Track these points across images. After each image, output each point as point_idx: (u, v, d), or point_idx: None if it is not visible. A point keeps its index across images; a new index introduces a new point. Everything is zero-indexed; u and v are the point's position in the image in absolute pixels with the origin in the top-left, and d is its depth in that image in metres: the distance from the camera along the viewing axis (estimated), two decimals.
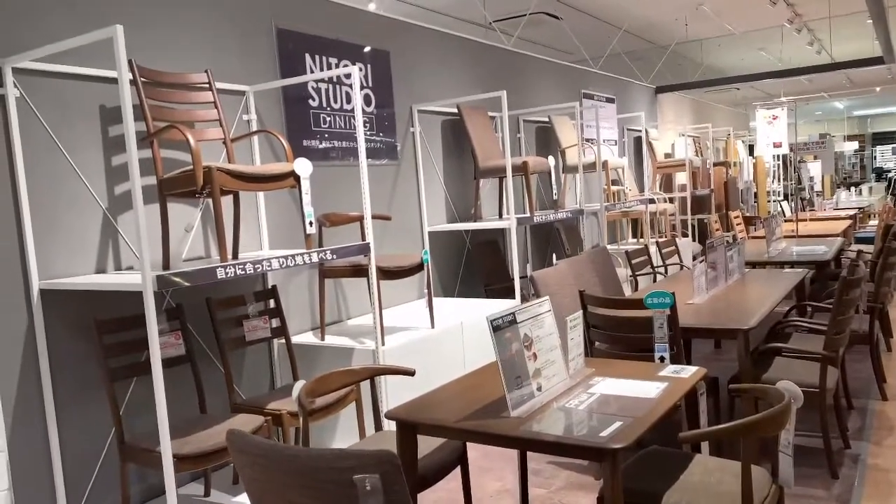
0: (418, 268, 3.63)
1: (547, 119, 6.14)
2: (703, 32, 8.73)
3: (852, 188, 13.70)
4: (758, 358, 3.30)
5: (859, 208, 9.96)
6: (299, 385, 2.43)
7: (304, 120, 3.81)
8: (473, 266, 5.17)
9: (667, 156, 8.89)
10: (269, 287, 3.47)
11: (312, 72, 3.85)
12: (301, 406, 2.29)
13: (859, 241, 8.54)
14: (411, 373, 2.64)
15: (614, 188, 6.97)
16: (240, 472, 1.51)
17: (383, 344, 3.36)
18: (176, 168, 2.96)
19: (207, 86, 3.12)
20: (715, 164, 9.57)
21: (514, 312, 2.09)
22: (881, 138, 24.80)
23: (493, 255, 5.23)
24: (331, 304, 3.99)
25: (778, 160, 13.86)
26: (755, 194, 11.34)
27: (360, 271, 3.40)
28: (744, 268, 4.54)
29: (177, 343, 2.95)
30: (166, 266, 2.93)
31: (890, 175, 19.47)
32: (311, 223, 2.93)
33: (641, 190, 8.48)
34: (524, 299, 4.56)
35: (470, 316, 3.96)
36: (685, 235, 8.23)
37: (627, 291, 5.81)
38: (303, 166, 2.90)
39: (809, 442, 3.39)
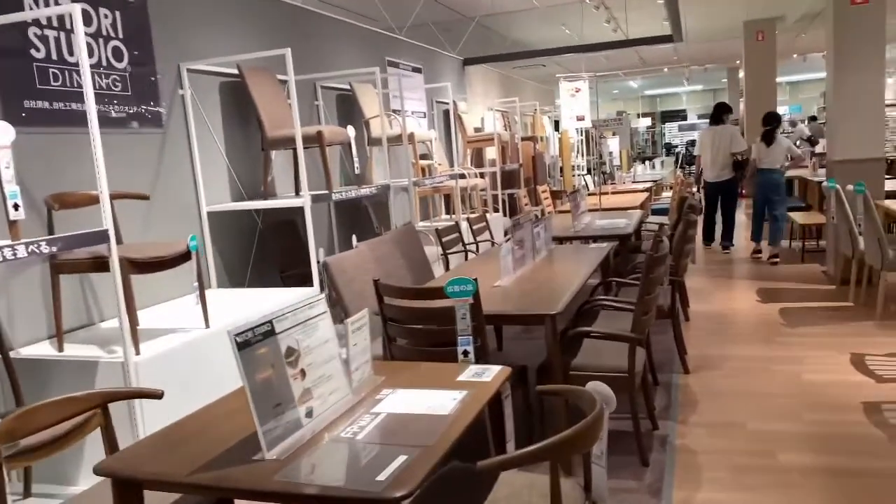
0: (183, 257, 3.00)
1: (348, 86, 5.63)
2: (508, 5, 8.66)
3: (646, 162, 14.64)
4: (567, 342, 3.08)
5: (654, 181, 10.54)
6: None
7: (25, 75, 3.00)
8: (267, 250, 4.58)
9: (476, 130, 8.76)
10: None
11: (32, 10, 3.04)
12: None
13: (656, 212, 8.98)
14: (157, 395, 2.06)
15: (424, 163, 6.64)
16: None
17: (137, 353, 2.72)
18: None
19: None
20: (523, 139, 9.62)
21: (272, 321, 1.60)
22: (669, 116, 27.05)
23: (290, 238, 4.67)
24: (77, 304, 3.24)
25: (581, 135, 14.44)
26: (561, 169, 11.66)
27: (101, 265, 2.72)
28: (551, 244, 4.38)
29: None
30: None
31: (677, 150, 21.24)
32: (15, 206, 2.22)
33: (452, 164, 8.27)
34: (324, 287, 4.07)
35: (258, 309, 3.40)
36: (496, 211, 8.15)
37: (439, 272, 5.52)
38: None
39: (619, 425, 3.26)
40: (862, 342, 4.26)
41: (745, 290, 5.87)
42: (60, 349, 2.86)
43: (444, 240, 5.19)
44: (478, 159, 9.20)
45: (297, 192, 4.70)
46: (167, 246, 3.01)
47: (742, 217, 10.06)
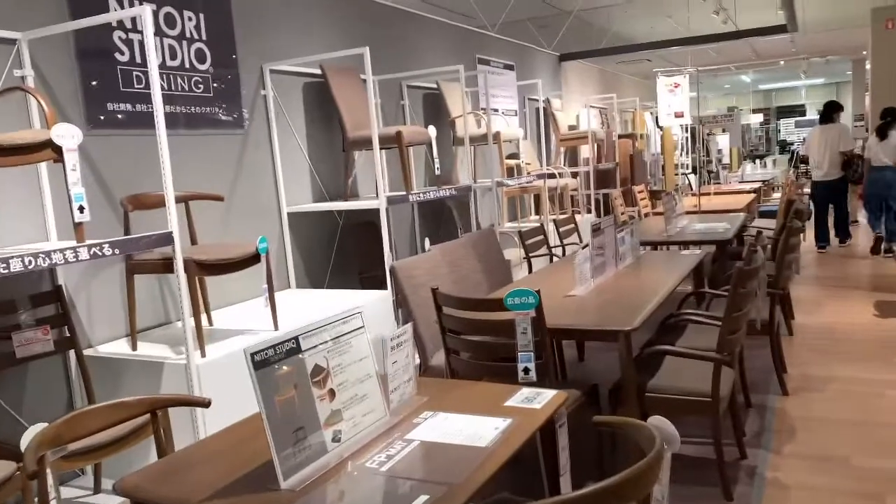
0: (252, 259, 3.00)
1: (435, 85, 5.55)
2: None
3: (757, 161, 13.78)
4: (645, 359, 2.85)
5: (763, 181, 9.88)
6: (33, 432, 1.79)
7: (109, 78, 3.08)
8: (347, 251, 4.57)
9: (571, 128, 8.49)
10: (54, 288, 2.77)
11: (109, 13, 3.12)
12: (25, 468, 1.66)
13: (763, 214, 8.41)
14: (205, 404, 2.03)
15: (512, 162, 6.48)
16: None
17: (203, 356, 2.73)
18: None
19: None
20: (620, 137, 9.24)
21: (298, 337, 1.51)
22: (785, 112, 25.45)
23: (370, 239, 4.64)
24: (155, 303, 3.31)
25: (686, 132, 13.77)
26: (663, 167, 11.14)
27: (170, 265, 2.75)
28: (639, 249, 4.12)
29: None
30: None
31: (793, 148, 19.92)
32: (80, 208, 2.26)
33: (544, 164, 8.04)
34: None
35: (329, 311, 3.37)
36: (589, 212, 7.86)
37: (521, 275, 5.36)
38: (67, 134, 2.22)
39: (702, 451, 2.99)
40: None
41: (861, 302, 5.34)
42: (134, 348, 2.93)
43: (527, 242, 5.02)
44: (572, 158, 8.93)
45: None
46: (237, 248, 3.01)
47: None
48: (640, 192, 8.07)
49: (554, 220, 5.83)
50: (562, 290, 3.23)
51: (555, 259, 5.32)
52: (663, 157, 11.24)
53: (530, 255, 5.01)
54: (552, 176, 6.88)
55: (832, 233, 7.76)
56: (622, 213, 7.32)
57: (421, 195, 4.17)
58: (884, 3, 10.57)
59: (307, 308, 3.52)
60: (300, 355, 1.50)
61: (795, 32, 9.05)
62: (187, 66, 3.47)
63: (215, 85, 3.62)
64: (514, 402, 1.78)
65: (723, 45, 13.38)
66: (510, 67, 7.20)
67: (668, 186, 11.11)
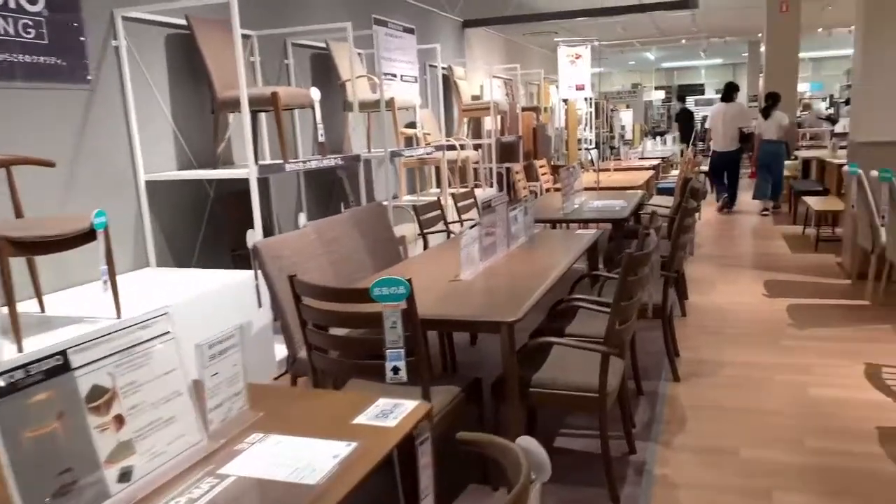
0: (86, 237, 2.56)
1: (325, 45, 5.13)
2: None
3: (657, 137, 14.01)
4: (530, 350, 2.63)
5: (663, 158, 9.98)
6: None
7: None
8: (220, 226, 4.14)
9: (475, 98, 8.23)
10: None
11: None
12: None
13: (662, 191, 8.46)
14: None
15: (410, 131, 6.15)
16: None
17: (20, 350, 2.30)
18: None
19: None
20: (524, 109, 9.07)
21: (66, 352, 1.15)
22: (686, 90, 26.18)
23: (246, 213, 4.21)
24: None
25: (590, 107, 13.81)
26: (566, 142, 11.09)
27: None
28: (533, 228, 3.91)
29: None
30: None
31: (706, 125, 20.46)
32: None
33: (449, 135, 7.76)
34: None
35: (190, 295, 2.97)
36: (491, 186, 7.66)
37: (416, 253, 5.09)
38: None
39: (590, 445, 2.82)
40: (878, 350, 3.79)
41: (752, 282, 5.39)
42: None
43: (422, 218, 4.72)
44: (476, 130, 8.68)
45: (257, 159, 4.24)
46: (67, 222, 2.56)
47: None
48: (541, 167, 7.93)
49: (452, 195, 5.57)
50: (449, 272, 2.96)
51: (452, 236, 5.07)
52: (567, 131, 11.19)
53: (426, 231, 4.73)
54: (452, 148, 6.61)
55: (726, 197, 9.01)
56: (523, 189, 7.15)
57: (301, 164, 3.79)
58: None
59: (162, 290, 3.11)
60: (69, 375, 1.15)
61: (697, 10, 9.10)
62: (13, 5, 2.93)
63: (50, 31, 3.09)
64: (365, 419, 1.49)
65: (629, 21, 13.44)
66: (410, 31, 6.82)
67: (570, 161, 11.09)
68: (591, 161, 10.87)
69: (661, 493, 2.45)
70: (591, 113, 13.09)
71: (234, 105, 3.75)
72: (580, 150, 11.60)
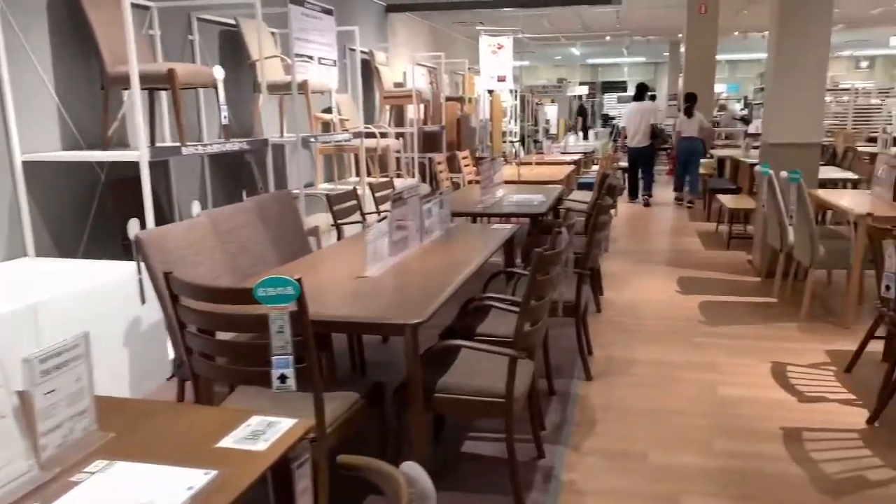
0: None
1: (234, 21, 4.83)
2: None
3: (581, 132, 14.16)
4: (437, 353, 2.49)
5: (584, 153, 10.05)
6: None
7: None
8: (111, 212, 3.82)
9: (398, 85, 8.03)
10: None
11: None
12: None
13: (582, 186, 8.49)
14: None
15: (326, 117, 5.91)
16: None
17: None
18: None
19: None
20: (449, 99, 8.94)
21: None
22: (610, 87, 26.69)
23: (141, 198, 3.91)
24: None
25: (516, 100, 13.81)
26: (491, 134, 11.04)
27: None
28: (449, 221, 3.77)
29: None
30: None
31: (613, 122, 20.87)
32: None
33: (369, 122, 7.53)
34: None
35: (73, 288, 2.68)
36: (413, 176, 7.49)
37: (329, 243, 4.88)
38: None
39: (498, 449, 2.71)
40: (784, 348, 3.85)
41: (666, 278, 5.44)
42: None
43: (336, 207, 4.51)
44: (399, 118, 8.49)
45: (154, 140, 3.94)
46: None
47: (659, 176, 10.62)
48: (464, 158, 7.82)
49: (370, 184, 5.38)
50: (357, 268, 2.79)
51: (367, 227, 4.88)
52: (491, 123, 11.13)
53: (340, 221, 4.52)
54: (372, 135, 6.40)
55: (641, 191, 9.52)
56: (445, 180, 7.03)
57: (201, 148, 3.52)
58: None
59: (36, 283, 2.81)
60: None
61: (620, 6, 9.17)
62: None
63: None
64: (232, 441, 1.31)
65: (555, 16, 13.48)
66: (328, 12, 6.56)
67: (494, 154, 11.04)
68: (515, 153, 10.86)
69: (568, 501, 2.37)
70: (516, 106, 13.08)
71: (126, 81, 3.44)
72: (504, 142, 11.57)
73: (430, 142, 8.30)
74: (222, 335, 2.08)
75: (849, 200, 4.49)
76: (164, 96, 4.15)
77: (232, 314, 1.87)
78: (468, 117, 9.26)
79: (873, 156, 7.37)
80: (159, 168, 4.17)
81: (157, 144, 3.92)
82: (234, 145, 3.82)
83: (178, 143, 3.39)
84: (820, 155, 5.63)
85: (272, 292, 1.80)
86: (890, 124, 16.67)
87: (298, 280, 1.81)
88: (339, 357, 3.56)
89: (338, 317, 2.13)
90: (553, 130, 16.76)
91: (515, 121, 13.31)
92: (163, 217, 3.99)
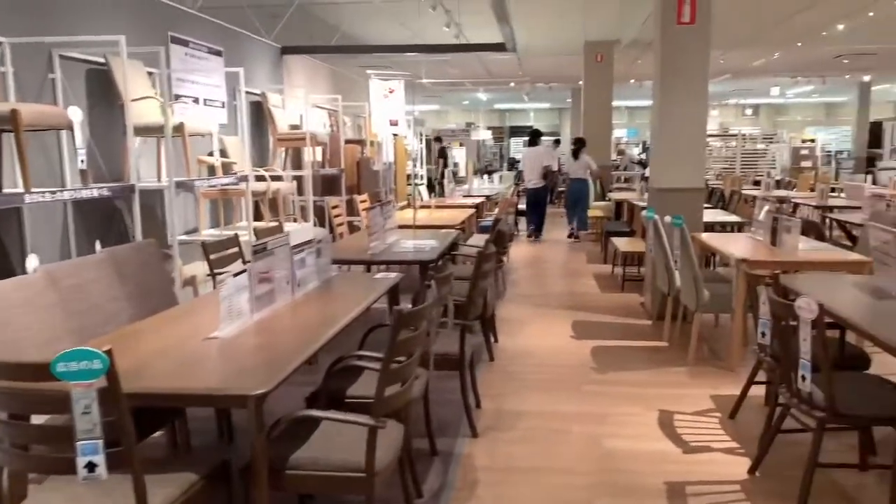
0: None
1: (103, 60, 4.53)
2: None
3: (486, 175, 14.32)
4: (293, 423, 2.27)
5: (488, 196, 10.09)
6: None
7: None
8: None
9: (294, 127, 7.82)
10: None
11: None
12: None
13: (483, 230, 8.47)
14: None
15: (210, 160, 5.63)
16: None
17: None
18: None
19: None
20: (349, 142, 8.79)
21: None
22: (518, 131, 27.32)
23: None
24: None
25: (422, 143, 13.83)
26: (395, 177, 10.95)
27: None
28: (329, 271, 3.58)
29: None
30: None
31: (519, 166, 21.29)
32: None
33: (262, 164, 7.27)
34: None
35: None
36: (307, 220, 7.25)
37: (205, 293, 4.57)
38: None
39: None
40: (671, 395, 3.82)
41: (562, 322, 5.40)
42: None
43: (213, 256, 4.23)
44: (296, 161, 8.26)
45: (1, 186, 3.58)
46: None
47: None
48: (363, 202, 7.65)
49: (254, 230, 5.12)
50: (212, 327, 2.54)
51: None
52: (396, 166, 11.05)
53: (217, 270, 4.24)
54: (262, 178, 6.15)
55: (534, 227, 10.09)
56: (340, 224, 6.83)
57: (49, 195, 3.21)
58: (596, 38, 11.48)
59: None
60: None
61: (515, 53, 9.34)
62: None
63: None
64: None
65: (460, 62, 13.66)
66: (217, 53, 6.33)
67: (399, 198, 10.95)
68: (421, 196, 10.79)
69: None
70: (422, 149, 13.09)
71: None
72: (409, 185, 11.50)
73: (328, 185, 8.10)
74: (37, 418, 1.81)
75: (730, 245, 4.59)
76: (11, 139, 3.80)
77: (29, 392, 1.61)
78: (369, 160, 9.14)
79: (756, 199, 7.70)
80: (9, 216, 3.79)
81: (4, 191, 3.56)
82: (93, 191, 3.51)
83: (20, 191, 3.07)
84: (704, 199, 5.79)
85: (75, 367, 1.55)
86: (773, 168, 17.77)
87: (108, 352, 1.57)
88: (205, 422, 3.27)
89: (164, 389, 1.88)
90: (462, 173, 16.91)
91: (422, 164, 13.30)
92: (7, 270, 3.61)
